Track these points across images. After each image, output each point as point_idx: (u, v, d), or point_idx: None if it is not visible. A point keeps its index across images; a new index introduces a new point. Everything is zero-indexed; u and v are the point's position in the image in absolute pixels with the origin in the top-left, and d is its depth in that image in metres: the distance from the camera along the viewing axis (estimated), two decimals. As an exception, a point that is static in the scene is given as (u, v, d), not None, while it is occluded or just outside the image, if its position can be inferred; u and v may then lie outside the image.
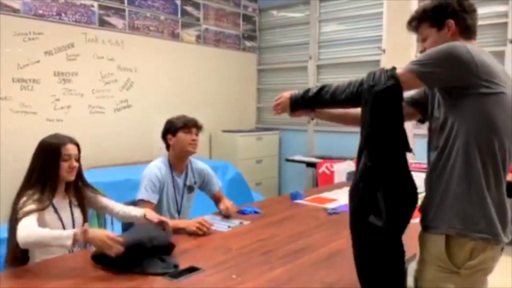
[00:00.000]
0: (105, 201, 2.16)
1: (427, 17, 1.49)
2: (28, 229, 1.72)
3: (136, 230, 1.94)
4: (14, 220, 1.85)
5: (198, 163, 2.65)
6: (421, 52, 1.52)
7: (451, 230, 1.33)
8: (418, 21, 1.52)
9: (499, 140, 1.33)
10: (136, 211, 2.12)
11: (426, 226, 1.43)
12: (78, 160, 2.02)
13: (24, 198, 1.87)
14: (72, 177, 2.00)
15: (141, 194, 2.34)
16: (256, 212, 2.47)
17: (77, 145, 2.03)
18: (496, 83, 1.32)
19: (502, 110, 1.33)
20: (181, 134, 2.46)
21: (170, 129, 2.49)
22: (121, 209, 2.14)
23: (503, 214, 1.35)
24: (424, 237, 1.43)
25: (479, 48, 1.40)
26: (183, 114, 2.57)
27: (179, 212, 2.50)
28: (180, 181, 2.52)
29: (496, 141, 1.32)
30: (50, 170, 1.93)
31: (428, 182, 1.47)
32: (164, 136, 2.52)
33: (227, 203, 2.46)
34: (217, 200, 2.62)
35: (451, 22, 1.45)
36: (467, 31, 1.47)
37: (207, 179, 2.62)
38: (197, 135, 2.51)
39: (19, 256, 1.84)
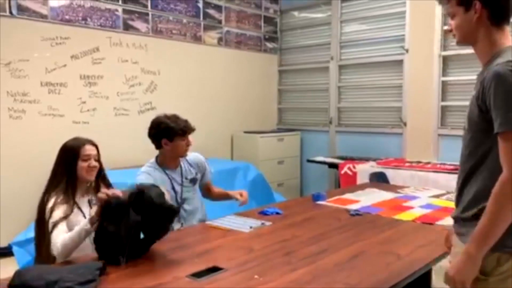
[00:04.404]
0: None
1: None
2: (57, 244, 1.84)
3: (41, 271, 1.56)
4: (41, 222, 1.93)
5: (193, 156, 2.64)
6: (449, 31, 1.42)
7: None
8: None
9: None
10: None
11: (457, 232, 1.42)
12: (98, 161, 2.09)
13: (52, 201, 1.95)
14: (91, 177, 2.07)
15: None
16: (277, 213, 2.48)
17: (96, 146, 2.11)
18: None
19: None
20: (178, 140, 2.45)
21: (167, 134, 2.43)
22: None
23: None
24: (456, 243, 1.42)
25: None
26: (173, 114, 2.51)
27: (180, 203, 2.48)
28: (176, 175, 2.53)
29: None
30: (70, 170, 2.01)
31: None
32: (157, 138, 2.46)
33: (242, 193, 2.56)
34: (207, 190, 2.69)
35: (478, 4, 1.32)
36: (498, 15, 1.33)
37: (205, 171, 2.65)
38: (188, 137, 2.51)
39: (46, 255, 1.90)
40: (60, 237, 1.86)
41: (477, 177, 1.35)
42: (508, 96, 1.22)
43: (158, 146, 2.50)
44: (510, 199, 1.22)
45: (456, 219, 1.44)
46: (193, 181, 2.58)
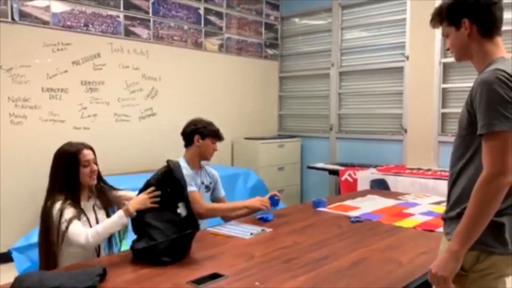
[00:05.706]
0: (127, 193, 2.22)
1: (444, 16, 1.47)
2: (85, 233, 1.87)
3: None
4: (46, 230, 1.91)
5: (209, 168, 2.81)
6: (447, 50, 1.51)
7: None
8: (437, 21, 1.51)
9: None
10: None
11: (444, 232, 1.47)
12: (96, 164, 2.08)
13: (59, 203, 1.92)
14: (94, 181, 2.07)
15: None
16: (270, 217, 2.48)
17: (92, 149, 2.09)
18: None
19: None
20: (208, 141, 2.62)
21: (201, 131, 2.60)
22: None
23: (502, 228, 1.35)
24: (442, 242, 1.47)
25: (503, 58, 1.36)
26: (211, 120, 2.70)
27: None
28: (198, 178, 2.65)
29: None
30: (72, 177, 1.99)
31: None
32: (191, 134, 2.61)
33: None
34: None
35: (466, 21, 1.40)
36: (487, 28, 1.40)
37: (217, 184, 2.77)
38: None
39: (51, 261, 1.89)
40: (81, 228, 1.88)
41: (463, 178, 1.42)
42: (492, 100, 1.28)
43: (189, 142, 2.63)
44: (490, 197, 1.27)
45: (444, 220, 1.50)
46: (207, 187, 2.70)
